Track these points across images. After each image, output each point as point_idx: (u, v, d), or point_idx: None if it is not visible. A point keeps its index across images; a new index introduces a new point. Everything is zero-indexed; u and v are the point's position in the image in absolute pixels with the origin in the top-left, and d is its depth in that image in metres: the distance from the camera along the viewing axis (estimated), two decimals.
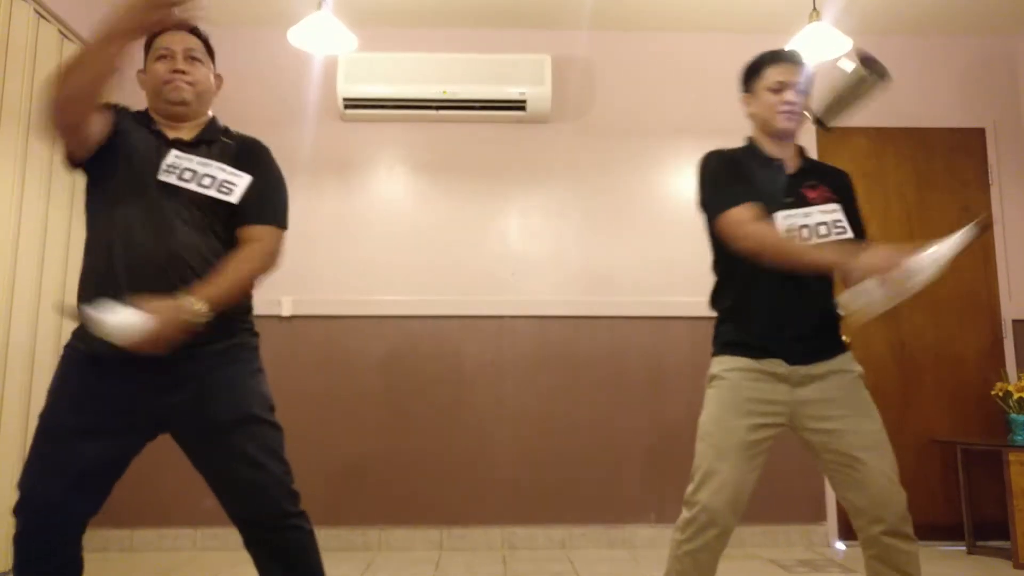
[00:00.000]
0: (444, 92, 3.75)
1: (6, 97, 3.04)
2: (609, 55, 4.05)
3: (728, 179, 1.91)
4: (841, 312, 1.76)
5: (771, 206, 1.86)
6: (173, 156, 1.69)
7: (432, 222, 3.89)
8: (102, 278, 1.62)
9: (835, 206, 1.90)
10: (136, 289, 1.57)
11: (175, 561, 3.39)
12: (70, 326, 3.60)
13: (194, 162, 1.70)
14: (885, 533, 1.75)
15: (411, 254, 3.86)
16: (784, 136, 1.94)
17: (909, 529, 1.76)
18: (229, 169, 1.72)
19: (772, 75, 1.92)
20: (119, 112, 1.74)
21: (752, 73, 1.98)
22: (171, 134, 1.75)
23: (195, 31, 1.80)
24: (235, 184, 1.71)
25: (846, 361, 1.88)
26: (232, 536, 3.57)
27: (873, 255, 1.65)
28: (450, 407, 3.74)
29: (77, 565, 1.62)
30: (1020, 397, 3.51)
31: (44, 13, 3.26)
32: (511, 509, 3.67)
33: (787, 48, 2.00)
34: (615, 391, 3.78)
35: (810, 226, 1.86)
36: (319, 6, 3.32)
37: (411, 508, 3.66)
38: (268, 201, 1.76)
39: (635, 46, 4.07)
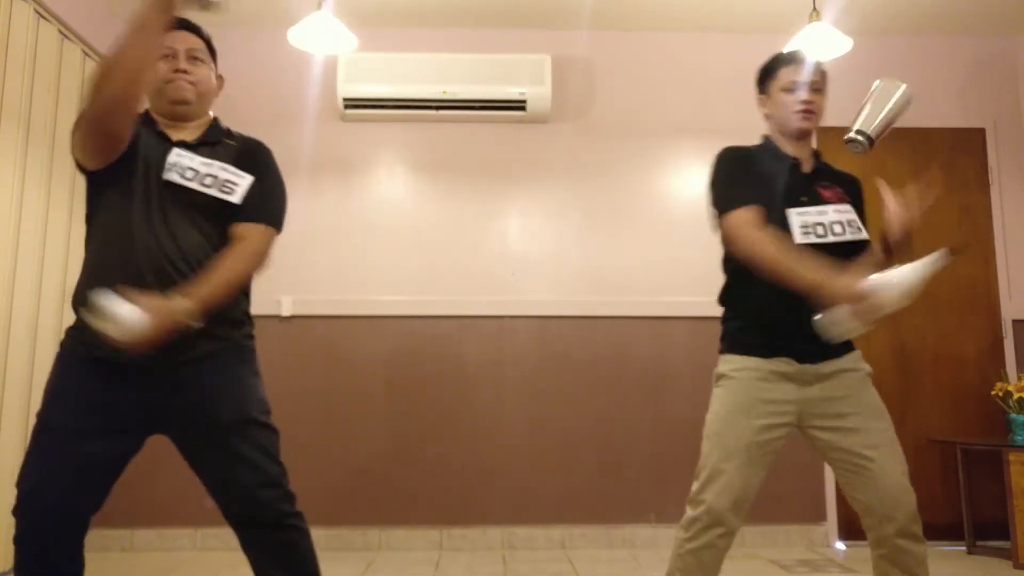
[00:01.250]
0: (444, 92, 3.75)
1: (6, 97, 3.04)
2: (609, 55, 4.05)
3: (739, 177, 1.91)
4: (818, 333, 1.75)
5: (785, 203, 1.88)
6: (175, 155, 1.69)
7: (432, 222, 3.90)
8: (100, 276, 1.62)
9: (848, 207, 1.92)
10: (133, 287, 1.57)
11: (175, 561, 3.39)
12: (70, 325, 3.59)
13: (196, 161, 1.70)
14: (896, 534, 1.74)
15: (411, 254, 3.86)
16: (801, 136, 1.95)
17: (919, 529, 1.76)
18: (231, 169, 1.72)
19: (786, 75, 1.93)
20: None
21: (766, 75, 1.99)
22: (174, 135, 1.75)
23: (197, 31, 1.79)
24: (237, 184, 1.70)
25: (854, 360, 1.87)
26: (232, 536, 3.58)
27: (846, 285, 1.66)
28: (450, 407, 3.75)
29: (78, 566, 1.61)
30: (1020, 397, 3.51)
31: (44, 13, 3.26)
32: (511, 509, 3.68)
33: (794, 48, 2.00)
34: (615, 391, 3.79)
35: (825, 224, 1.87)
36: (319, 6, 3.32)
37: (411, 508, 3.66)
38: (265, 201, 1.76)
39: (635, 46, 4.07)
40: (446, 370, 3.77)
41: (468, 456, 3.71)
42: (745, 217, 1.82)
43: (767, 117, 2.01)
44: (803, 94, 1.90)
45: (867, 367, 1.88)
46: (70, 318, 3.42)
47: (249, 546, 1.65)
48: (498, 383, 3.77)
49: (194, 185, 1.66)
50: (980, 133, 4.04)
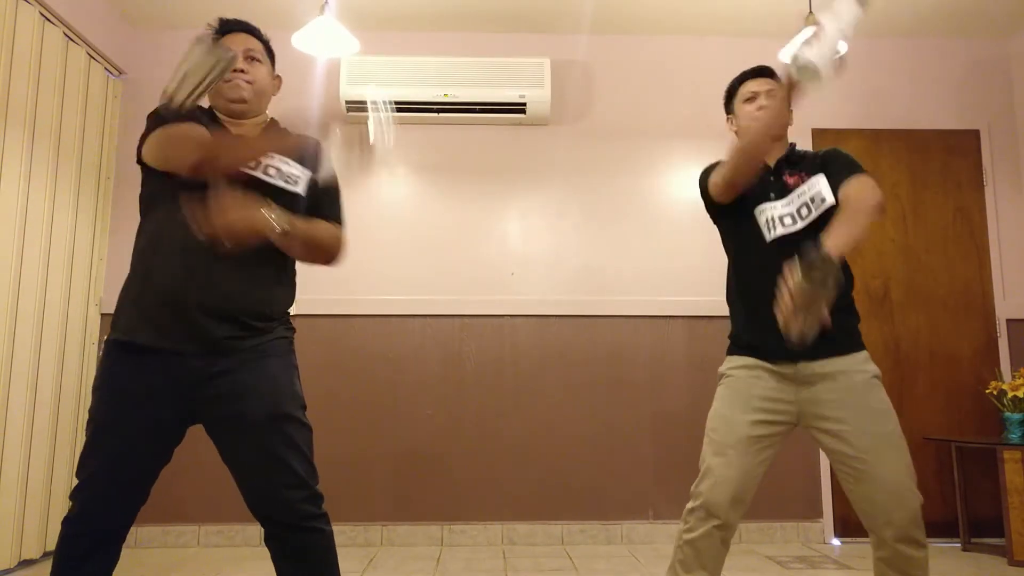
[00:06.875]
0: (445, 95, 3.80)
1: (11, 100, 3.08)
2: (607, 59, 4.10)
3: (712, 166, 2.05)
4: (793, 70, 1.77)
5: (753, 204, 1.96)
6: None
7: (433, 223, 3.94)
8: (155, 265, 1.65)
9: (813, 181, 1.93)
10: (192, 274, 1.61)
11: (179, 557, 3.43)
12: (75, 325, 3.62)
13: None
14: (894, 538, 1.74)
15: (412, 254, 3.90)
16: None
17: (920, 535, 1.74)
18: (291, 162, 1.78)
19: (746, 89, 2.05)
20: (198, 116, 1.77)
21: (730, 94, 2.10)
22: (235, 131, 1.80)
23: (256, 33, 1.87)
24: (300, 177, 1.77)
25: (860, 361, 1.85)
26: (236, 533, 3.63)
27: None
28: (451, 405, 3.79)
29: (114, 556, 1.66)
30: (1014, 396, 3.55)
31: (49, 16, 3.30)
32: (511, 506, 3.72)
33: (761, 64, 2.09)
34: (613, 389, 3.83)
35: (793, 212, 1.93)
36: (322, 10, 3.36)
37: (413, 504, 3.70)
38: (336, 202, 1.85)
39: (633, 50, 4.12)
40: (447, 368, 3.81)
41: (469, 453, 3.75)
42: (715, 176, 1.97)
43: (735, 135, 2.09)
44: (761, 100, 2.01)
45: (874, 369, 1.86)
46: (70, 318, 3.48)
47: (271, 541, 1.67)
48: (498, 381, 3.81)
49: (258, 174, 1.71)
50: (974, 134, 4.08)
